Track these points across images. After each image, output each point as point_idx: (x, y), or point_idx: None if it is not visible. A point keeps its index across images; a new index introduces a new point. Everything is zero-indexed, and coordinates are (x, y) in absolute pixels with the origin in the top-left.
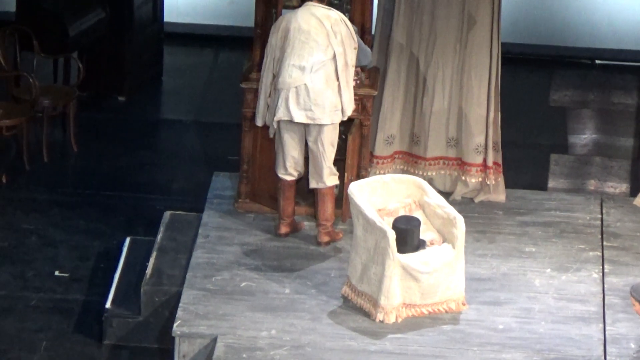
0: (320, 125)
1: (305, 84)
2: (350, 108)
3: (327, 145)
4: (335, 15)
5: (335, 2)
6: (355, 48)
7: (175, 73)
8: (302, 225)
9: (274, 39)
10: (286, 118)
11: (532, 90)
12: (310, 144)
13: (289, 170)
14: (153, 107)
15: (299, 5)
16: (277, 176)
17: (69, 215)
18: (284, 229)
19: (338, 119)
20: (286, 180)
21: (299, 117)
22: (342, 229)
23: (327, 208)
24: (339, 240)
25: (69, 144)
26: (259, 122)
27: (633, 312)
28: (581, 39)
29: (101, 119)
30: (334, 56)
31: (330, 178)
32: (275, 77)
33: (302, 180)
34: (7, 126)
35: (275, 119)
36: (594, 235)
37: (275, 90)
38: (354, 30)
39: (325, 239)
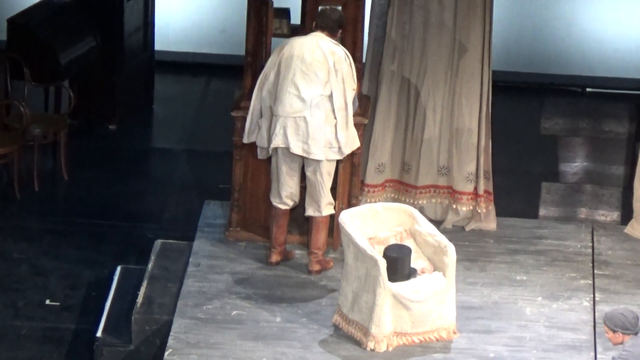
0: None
1: (305, 117)
2: (349, 147)
3: (326, 176)
4: (341, 52)
5: None
6: (354, 89)
7: (166, 101)
8: (292, 253)
9: (272, 58)
10: (283, 146)
11: (523, 118)
12: (308, 174)
13: (284, 199)
14: (144, 136)
15: (290, 35)
16: (271, 204)
17: (59, 244)
18: (275, 258)
19: (333, 156)
20: (280, 209)
21: (296, 148)
22: (333, 257)
23: (320, 237)
24: (329, 268)
25: (60, 172)
26: (245, 140)
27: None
28: (572, 67)
29: (92, 147)
30: (331, 94)
31: (327, 207)
32: (275, 102)
33: (296, 209)
34: None
35: (272, 145)
36: (585, 264)
37: (273, 115)
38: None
39: (316, 267)
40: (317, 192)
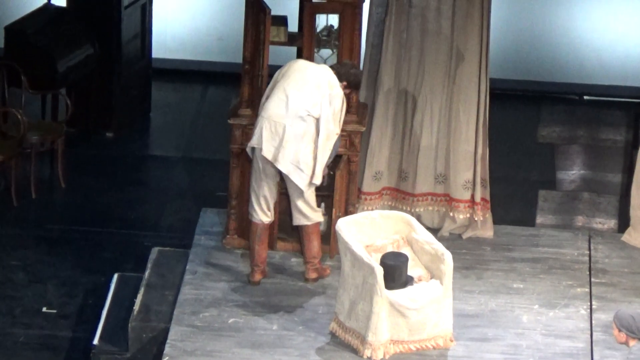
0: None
1: (284, 125)
2: (318, 180)
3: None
4: (340, 92)
5: (324, 37)
6: (337, 134)
7: (163, 109)
8: (327, 270)
9: (277, 74)
10: (256, 146)
11: (521, 126)
12: (287, 182)
13: (265, 210)
14: (141, 143)
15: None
16: (250, 221)
17: (57, 252)
18: (258, 276)
19: (298, 179)
20: (262, 224)
21: (267, 151)
22: (329, 265)
23: (314, 245)
24: (326, 276)
25: (57, 180)
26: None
27: (621, 347)
28: (569, 75)
29: (89, 155)
30: (319, 119)
31: (315, 214)
32: (263, 101)
33: (286, 216)
34: None
35: (249, 145)
36: (582, 272)
37: (258, 114)
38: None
39: (313, 275)
40: (297, 200)
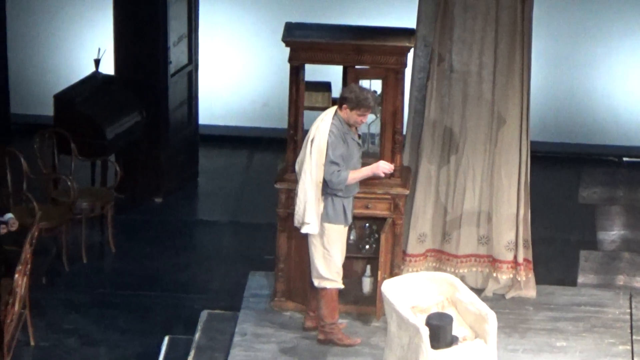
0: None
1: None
2: (307, 219)
3: (312, 246)
4: (324, 127)
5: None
6: (322, 164)
7: (210, 174)
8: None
9: None
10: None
11: (561, 188)
12: None
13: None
14: (189, 208)
15: (325, 107)
16: None
17: (108, 315)
18: (308, 323)
19: (304, 228)
20: None
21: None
22: (376, 326)
23: (322, 307)
24: (348, 345)
25: (107, 245)
26: None
27: None
28: (609, 137)
29: (138, 220)
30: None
31: (317, 280)
32: None
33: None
34: (46, 228)
35: None
36: (623, 330)
37: None
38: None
39: (320, 336)
40: (310, 259)
